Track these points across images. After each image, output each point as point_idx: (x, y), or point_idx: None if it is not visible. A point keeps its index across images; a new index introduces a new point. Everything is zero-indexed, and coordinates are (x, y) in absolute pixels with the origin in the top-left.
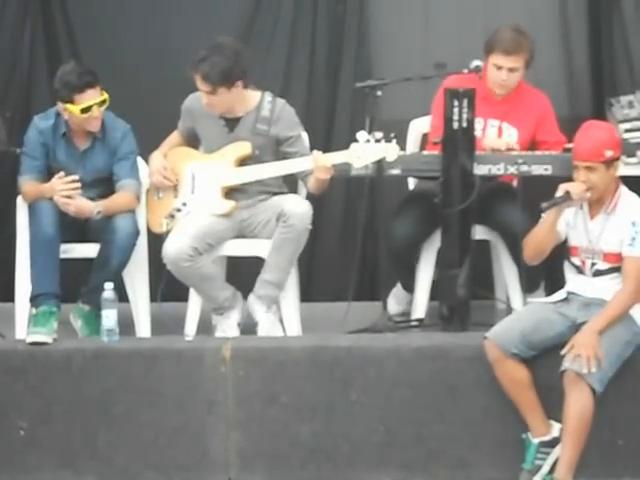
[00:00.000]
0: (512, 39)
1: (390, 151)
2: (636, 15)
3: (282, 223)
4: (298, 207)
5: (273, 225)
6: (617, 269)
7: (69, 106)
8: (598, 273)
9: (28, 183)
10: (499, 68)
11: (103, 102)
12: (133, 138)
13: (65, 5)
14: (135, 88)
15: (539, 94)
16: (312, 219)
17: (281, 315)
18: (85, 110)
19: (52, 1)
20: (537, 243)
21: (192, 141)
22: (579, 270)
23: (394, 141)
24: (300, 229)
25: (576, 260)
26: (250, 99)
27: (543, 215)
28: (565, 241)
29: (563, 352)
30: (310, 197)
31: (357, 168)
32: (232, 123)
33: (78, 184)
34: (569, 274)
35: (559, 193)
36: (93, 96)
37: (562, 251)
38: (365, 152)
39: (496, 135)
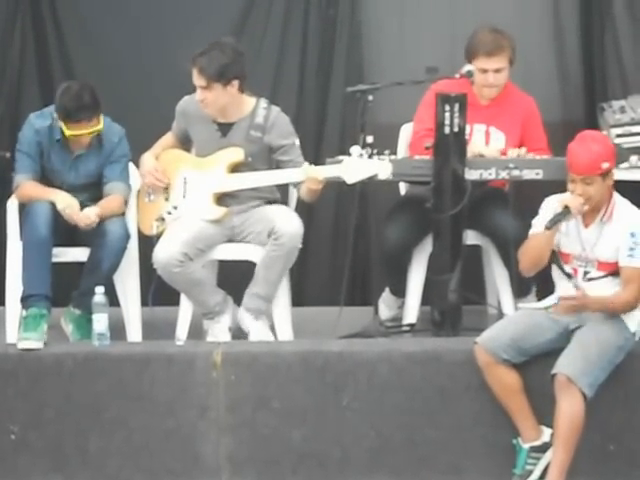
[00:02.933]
0: (492, 40)
1: (382, 169)
2: (627, 21)
3: (273, 240)
4: (290, 226)
5: (264, 238)
6: (610, 275)
7: (62, 124)
8: (591, 280)
9: (26, 182)
10: (484, 71)
11: (96, 130)
12: (127, 142)
13: (55, 7)
14: (125, 89)
15: (525, 97)
16: (303, 238)
17: (272, 322)
18: (75, 136)
19: (42, 2)
20: (535, 255)
21: (186, 143)
22: (570, 277)
23: (387, 159)
24: (290, 247)
25: (567, 267)
26: (245, 105)
27: (533, 227)
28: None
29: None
30: (302, 202)
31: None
32: (225, 128)
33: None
34: (559, 280)
35: (558, 208)
36: (86, 127)
37: (552, 257)
38: (357, 168)
39: (484, 141)
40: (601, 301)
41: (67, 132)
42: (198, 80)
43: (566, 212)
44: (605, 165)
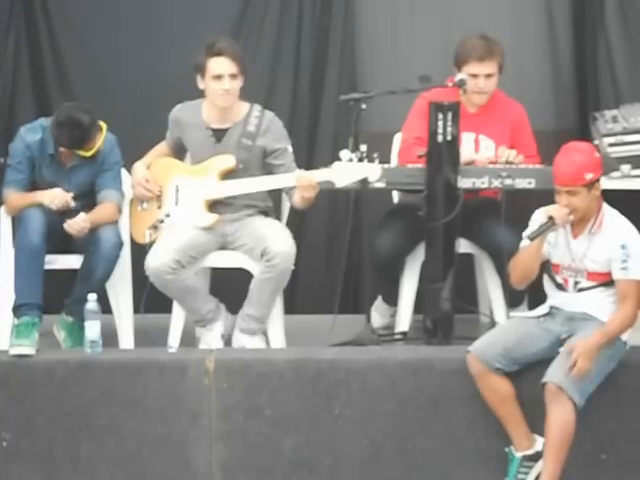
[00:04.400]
0: (483, 45)
1: (372, 171)
2: (620, 31)
3: (265, 262)
4: (282, 246)
5: (256, 255)
6: (602, 285)
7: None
8: (582, 290)
9: (11, 195)
10: (475, 77)
11: (103, 136)
12: (119, 149)
13: (47, 10)
14: (119, 96)
15: (513, 103)
16: (296, 245)
17: (265, 330)
18: (90, 148)
19: (36, 11)
20: (524, 268)
21: (179, 152)
22: (561, 287)
23: (376, 161)
24: (283, 268)
25: (558, 277)
26: (239, 110)
27: (524, 239)
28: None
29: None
30: (294, 211)
31: (339, 187)
32: (220, 134)
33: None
34: (550, 290)
35: (542, 219)
36: (96, 141)
37: (544, 267)
38: (347, 171)
39: (473, 149)
40: (603, 336)
41: (83, 154)
42: (229, 67)
43: (550, 223)
44: (589, 176)
